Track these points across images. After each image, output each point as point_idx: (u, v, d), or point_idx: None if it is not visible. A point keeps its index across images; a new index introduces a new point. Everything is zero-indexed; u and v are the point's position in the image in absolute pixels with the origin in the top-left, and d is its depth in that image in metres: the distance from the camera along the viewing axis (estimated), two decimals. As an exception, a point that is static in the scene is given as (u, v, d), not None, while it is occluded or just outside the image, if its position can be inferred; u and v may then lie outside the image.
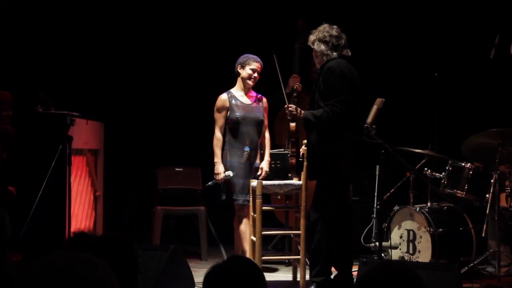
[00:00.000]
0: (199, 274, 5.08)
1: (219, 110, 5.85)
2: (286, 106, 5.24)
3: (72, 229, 5.54)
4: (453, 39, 7.27)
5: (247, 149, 5.80)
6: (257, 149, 5.85)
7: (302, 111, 5.12)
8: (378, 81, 7.09)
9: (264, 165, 5.80)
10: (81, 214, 6.19)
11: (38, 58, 7.54)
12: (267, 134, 5.92)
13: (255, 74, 5.80)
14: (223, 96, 5.86)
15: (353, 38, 7.05)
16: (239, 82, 5.89)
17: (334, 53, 5.06)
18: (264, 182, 5.46)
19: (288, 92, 6.02)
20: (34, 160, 5.59)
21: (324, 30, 5.11)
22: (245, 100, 5.86)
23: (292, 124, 5.31)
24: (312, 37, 5.14)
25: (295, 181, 5.48)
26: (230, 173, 5.72)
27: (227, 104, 5.83)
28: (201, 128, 8.01)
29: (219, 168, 5.76)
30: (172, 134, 8.17)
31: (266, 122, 5.91)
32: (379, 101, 5.02)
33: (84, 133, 6.09)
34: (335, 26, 5.13)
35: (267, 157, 5.85)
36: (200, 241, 6.82)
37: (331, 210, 5.01)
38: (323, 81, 5.00)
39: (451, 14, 7.39)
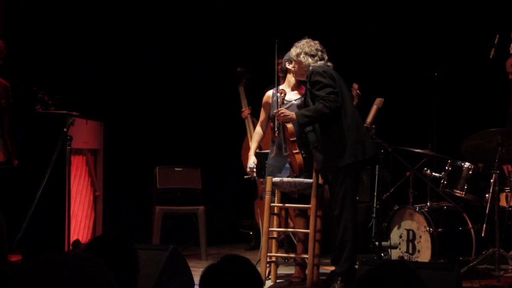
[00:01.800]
0: (198, 274, 5.05)
1: (263, 106, 5.89)
2: (276, 111, 5.36)
3: (72, 229, 5.55)
4: (453, 39, 7.27)
5: (278, 145, 5.67)
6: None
7: (294, 112, 5.28)
8: (378, 81, 7.09)
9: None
10: (81, 214, 6.19)
11: (38, 58, 7.55)
12: None
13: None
14: (269, 92, 5.83)
15: (353, 38, 7.08)
16: (287, 78, 5.79)
17: (320, 62, 5.29)
18: (274, 179, 5.44)
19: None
20: (34, 160, 5.59)
21: (309, 44, 5.35)
22: (290, 96, 5.69)
23: (290, 126, 5.33)
24: (296, 51, 5.36)
25: (307, 179, 5.44)
26: (252, 165, 5.80)
27: (270, 100, 5.79)
28: (201, 128, 8.03)
29: (249, 161, 5.84)
30: (172, 134, 8.16)
31: None
32: (378, 101, 5.03)
33: (83, 133, 6.08)
34: (317, 42, 5.37)
35: None
36: (199, 241, 6.82)
37: (353, 198, 5.18)
38: (309, 84, 5.20)
39: (451, 14, 7.40)
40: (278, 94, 5.59)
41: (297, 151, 5.30)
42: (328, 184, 5.35)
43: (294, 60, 5.42)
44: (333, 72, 5.24)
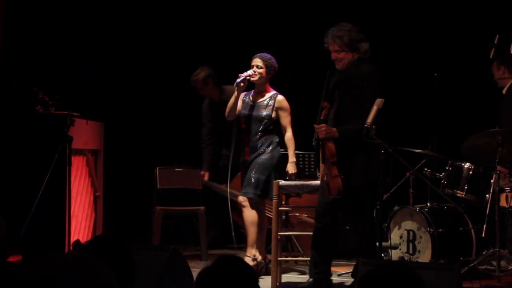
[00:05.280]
0: (199, 274, 5.07)
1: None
2: (318, 126, 5.02)
3: (72, 229, 5.54)
4: (453, 39, 7.27)
5: (250, 145, 5.94)
6: (256, 147, 5.92)
7: (334, 128, 5.02)
8: (378, 81, 7.07)
9: (289, 168, 5.83)
10: (81, 215, 6.19)
11: (38, 58, 7.54)
12: (288, 134, 5.90)
13: (254, 69, 5.88)
14: (243, 94, 5.99)
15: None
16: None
17: (367, 55, 5.19)
18: (281, 183, 5.50)
19: None
20: (34, 160, 5.59)
21: (358, 31, 5.17)
22: (254, 98, 5.98)
23: (331, 144, 4.97)
24: (345, 39, 5.10)
25: (312, 181, 5.52)
26: (250, 72, 5.87)
27: (241, 102, 5.97)
28: (201, 128, 8.02)
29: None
30: (172, 134, 8.16)
31: (283, 121, 5.89)
32: (379, 101, 5.02)
33: (84, 133, 6.08)
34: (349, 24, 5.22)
35: (290, 159, 5.86)
36: (200, 241, 6.81)
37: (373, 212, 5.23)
38: (358, 87, 5.05)
39: (451, 14, 7.39)
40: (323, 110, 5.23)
41: (337, 174, 4.95)
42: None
43: (342, 51, 5.11)
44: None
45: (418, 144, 6.14)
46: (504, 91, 6.33)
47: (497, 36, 5.90)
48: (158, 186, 6.90)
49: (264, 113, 5.90)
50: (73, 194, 5.77)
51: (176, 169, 7.04)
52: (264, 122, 5.89)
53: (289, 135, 5.89)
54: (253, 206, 5.85)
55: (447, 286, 3.98)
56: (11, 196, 5.74)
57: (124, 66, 8.08)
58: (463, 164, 5.94)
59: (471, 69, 6.94)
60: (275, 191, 5.43)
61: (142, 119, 8.18)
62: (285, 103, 5.93)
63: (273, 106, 5.90)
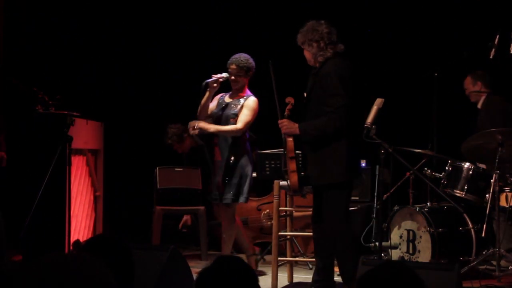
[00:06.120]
0: (199, 274, 5.07)
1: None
2: (279, 122, 4.98)
3: (72, 229, 5.55)
4: (453, 39, 7.27)
5: (219, 145, 5.78)
6: (223, 148, 5.75)
7: (297, 124, 4.93)
8: (378, 81, 7.09)
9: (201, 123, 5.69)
10: (81, 214, 6.19)
11: (38, 58, 7.55)
12: (236, 124, 5.70)
13: (232, 77, 5.75)
14: (220, 95, 5.91)
15: (353, 38, 7.05)
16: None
17: (329, 51, 4.92)
18: (282, 183, 5.46)
19: None
20: (34, 160, 5.59)
21: (314, 29, 4.94)
22: (227, 99, 5.85)
23: (290, 139, 4.92)
24: (301, 37, 4.99)
25: None
26: (224, 74, 5.73)
27: (216, 102, 5.87)
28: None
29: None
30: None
31: (241, 118, 5.68)
32: (379, 101, 5.01)
33: (84, 133, 6.09)
34: (322, 21, 4.99)
35: (210, 125, 5.71)
36: (200, 241, 6.82)
37: (346, 215, 4.91)
38: (321, 85, 4.89)
39: (451, 14, 7.40)
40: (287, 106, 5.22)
41: (294, 170, 4.89)
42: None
43: (302, 48, 5.02)
44: (347, 70, 4.91)
45: (418, 144, 6.14)
46: (479, 106, 6.48)
47: (497, 36, 5.90)
48: (158, 186, 6.91)
49: (231, 112, 5.73)
50: (73, 194, 5.77)
51: (176, 169, 7.05)
52: (230, 121, 5.74)
53: (235, 125, 5.68)
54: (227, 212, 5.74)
55: (447, 286, 3.98)
56: (11, 196, 5.74)
57: (124, 66, 8.08)
58: (463, 164, 5.94)
59: (471, 69, 6.94)
60: (275, 191, 5.43)
61: (142, 119, 8.18)
62: (253, 104, 5.71)
63: (241, 106, 5.73)
